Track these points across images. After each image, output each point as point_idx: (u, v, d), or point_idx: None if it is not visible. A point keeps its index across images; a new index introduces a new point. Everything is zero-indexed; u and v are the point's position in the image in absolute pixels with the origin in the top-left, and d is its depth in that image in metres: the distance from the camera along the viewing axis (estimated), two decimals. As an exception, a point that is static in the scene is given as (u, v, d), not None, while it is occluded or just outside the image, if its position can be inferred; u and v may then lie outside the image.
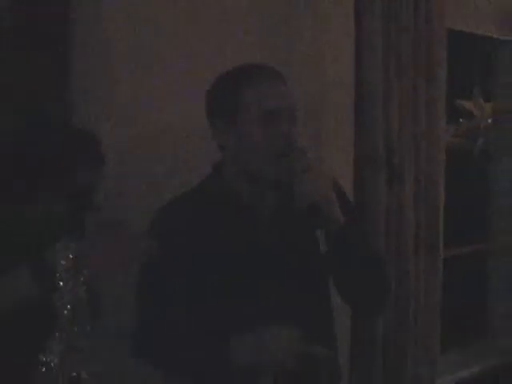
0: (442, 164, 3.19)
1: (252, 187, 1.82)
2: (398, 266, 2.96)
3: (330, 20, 2.73)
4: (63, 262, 1.50)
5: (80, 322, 1.50)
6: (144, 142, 2.19)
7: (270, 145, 1.75)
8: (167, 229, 1.78)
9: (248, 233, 1.80)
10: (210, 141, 1.87)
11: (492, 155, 3.87)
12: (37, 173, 1.61)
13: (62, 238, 1.49)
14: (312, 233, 1.80)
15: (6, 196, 1.64)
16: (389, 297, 2.10)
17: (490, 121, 3.37)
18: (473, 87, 3.37)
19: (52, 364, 1.44)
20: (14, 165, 1.61)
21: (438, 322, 3.23)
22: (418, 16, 3.00)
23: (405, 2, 2.93)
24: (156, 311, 1.76)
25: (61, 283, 1.49)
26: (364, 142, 2.84)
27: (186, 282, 1.75)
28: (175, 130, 2.24)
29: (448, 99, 3.23)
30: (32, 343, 1.46)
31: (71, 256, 1.51)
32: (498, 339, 3.91)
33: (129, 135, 2.16)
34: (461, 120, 3.34)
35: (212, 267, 1.75)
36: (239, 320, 1.70)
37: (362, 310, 2.08)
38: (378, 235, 2.85)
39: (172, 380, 1.86)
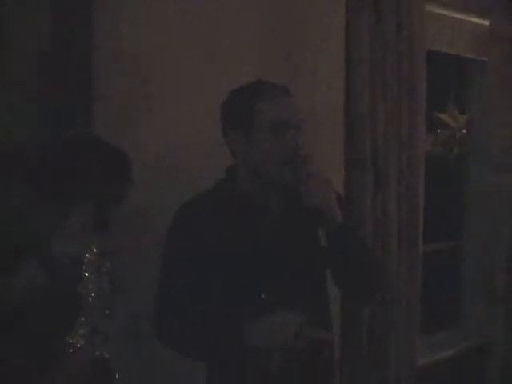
0: (422, 169, 3.20)
1: (261, 189, 1.84)
2: (382, 257, 2.96)
3: (323, 40, 2.73)
4: (87, 255, 1.51)
5: (103, 308, 1.50)
6: (165, 150, 2.18)
7: (279, 152, 1.77)
8: (187, 224, 1.81)
9: (257, 229, 1.82)
10: (222, 148, 1.87)
11: (466, 161, 3.88)
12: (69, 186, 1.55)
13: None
14: (314, 230, 1.83)
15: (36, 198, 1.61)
16: (377, 285, 2.13)
17: (464, 131, 3.37)
18: (449, 101, 3.37)
19: (78, 345, 1.44)
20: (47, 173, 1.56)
21: (417, 309, 3.23)
22: (401, 39, 3.01)
23: (389, 26, 2.93)
24: (177, 299, 1.77)
25: (86, 274, 1.49)
26: (352, 148, 2.85)
27: (203, 273, 1.76)
28: (190, 140, 2.24)
29: (427, 112, 3.23)
30: (60, 327, 1.45)
31: (95, 250, 1.51)
32: (469, 325, 3.90)
33: (152, 145, 2.15)
34: (438, 130, 3.34)
35: (226, 260, 1.77)
36: (251, 307, 1.72)
37: (356, 297, 2.14)
38: (365, 231, 2.84)
39: (190, 361, 1.86)
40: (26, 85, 1.89)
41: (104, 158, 1.57)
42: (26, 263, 1.45)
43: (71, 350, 1.43)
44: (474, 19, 3.55)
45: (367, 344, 2.94)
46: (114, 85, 2.06)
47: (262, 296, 1.75)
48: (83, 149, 1.57)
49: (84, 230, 1.47)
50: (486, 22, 3.60)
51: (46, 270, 1.42)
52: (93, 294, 1.47)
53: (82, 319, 1.46)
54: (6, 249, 1.52)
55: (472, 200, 3.90)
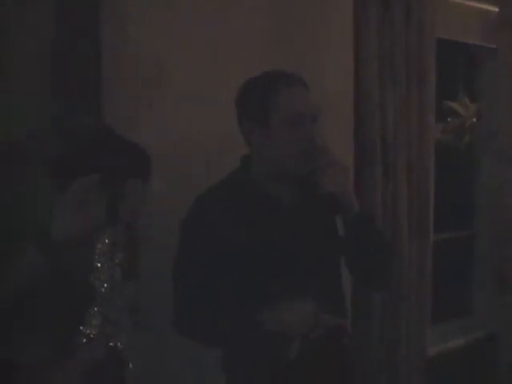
0: (432, 158, 3.18)
1: (276, 179, 1.84)
2: (394, 247, 2.95)
3: (331, 32, 2.73)
4: (100, 246, 1.50)
5: (116, 299, 1.50)
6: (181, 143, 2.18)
7: (295, 143, 1.77)
8: (203, 214, 1.81)
9: (272, 218, 1.82)
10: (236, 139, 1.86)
11: (476, 150, 3.85)
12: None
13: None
14: (330, 219, 1.84)
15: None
16: (390, 273, 2.15)
17: (474, 119, 3.35)
18: (459, 89, 3.35)
19: (91, 335, 1.45)
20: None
21: (428, 298, 3.22)
22: (410, 27, 2.99)
23: (398, 15, 2.91)
24: (194, 288, 1.78)
25: (98, 265, 1.49)
26: (362, 138, 2.84)
27: (219, 263, 1.77)
28: (206, 132, 2.23)
29: (437, 100, 3.22)
30: (74, 317, 1.46)
31: (107, 241, 1.51)
32: (481, 314, 3.89)
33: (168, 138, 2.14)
34: (448, 119, 3.32)
35: (242, 250, 1.77)
36: (268, 295, 1.73)
37: (369, 285, 2.14)
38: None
39: (204, 350, 1.87)
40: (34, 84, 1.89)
41: (125, 153, 1.55)
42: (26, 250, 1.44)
43: (84, 340, 1.44)
44: (484, 6, 3.52)
45: (378, 333, 2.94)
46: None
47: (281, 284, 1.75)
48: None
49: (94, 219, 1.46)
50: (495, 9, 3.57)
51: (47, 256, 1.40)
52: (105, 285, 1.47)
53: (95, 309, 1.46)
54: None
55: (483, 188, 3.89)
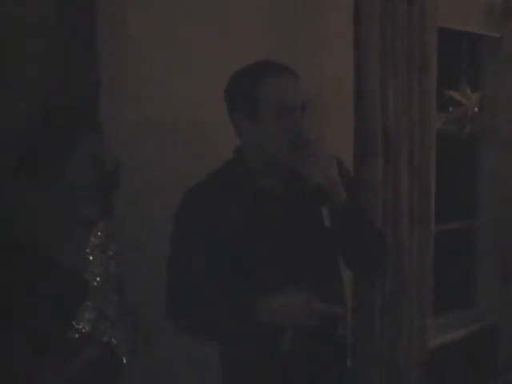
0: (434, 148, 3.14)
1: (268, 170, 1.83)
2: (394, 238, 2.93)
3: (332, 22, 2.69)
4: (92, 239, 1.47)
5: (109, 293, 1.47)
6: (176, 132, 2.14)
7: (283, 134, 1.75)
8: (195, 206, 1.80)
9: (265, 209, 1.81)
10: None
11: (478, 140, 3.81)
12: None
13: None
14: (319, 209, 1.81)
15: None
16: (386, 262, 2.13)
17: (476, 109, 3.30)
18: (461, 79, 3.30)
19: (84, 331, 1.42)
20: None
21: (430, 289, 3.20)
22: (412, 16, 2.95)
23: (400, 4, 2.87)
24: (188, 280, 1.76)
25: (91, 258, 1.46)
26: (363, 127, 2.80)
27: (213, 254, 1.75)
28: (198, 123, 2.20)
29: (438, 90, 3.17)
30: (66, 312, 1.42)
31: (99, 233, 1.48)
32: (482, 305, 3.86)
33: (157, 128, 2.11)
34: (450, 109, 3.27)
35: (235, 241, 1.76)
36: (262, 286, 1.72)
37: (363, 274, 2.17)
38: (376, 212, 2.81)
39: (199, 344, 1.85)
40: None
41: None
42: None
43: (77, 336, 1.40)
44: (487, -5, 3.48)
45: (379, 324, 2.91)
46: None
47: (275, 275, 1.74)
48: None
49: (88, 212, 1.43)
50: (499, -2, 3.52)
51: None
52: (98, 279, 1.44)
53: (88, 304, 1.43)
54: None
55: (485, 178, 3.86)
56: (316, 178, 1.72)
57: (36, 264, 1.38)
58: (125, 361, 1.48)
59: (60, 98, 1.90)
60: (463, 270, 3.94)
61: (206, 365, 1.94)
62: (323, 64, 2.63)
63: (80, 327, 1.40)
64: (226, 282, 1.75)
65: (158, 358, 2.02)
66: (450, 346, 3.49)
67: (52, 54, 1.91)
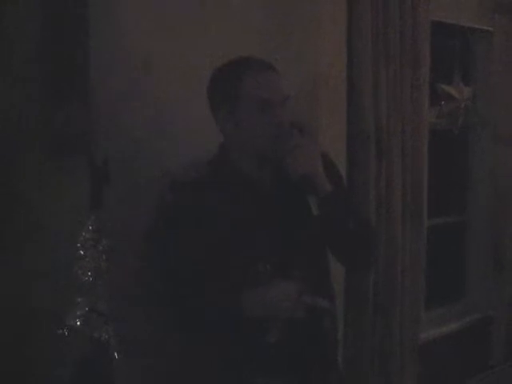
0: (426, 142, 3.14)
1: (252, 164, 1.84)
2: (386, 232, 2.93)
3: (324, 15, 2.67)
4: (83, 233, 1.46)
5: (100, 288, 1.46)
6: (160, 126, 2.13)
7: (265, 129, 1.78)
8: (180, 198, 1.81)
9: (251, 202, 1.81)
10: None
11: (471, 134, 3.80)
12: None
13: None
14: (305, 200, 1.81)
15: None
16: (373, 252, 2.14)
17: (469, 103, 3.30)
18: (453, 73, 3.29)
19: (75, 327, 1.40)
20: None
21: (422, 282, 3.20)
22: (404, 9, 2.94)
23: (392, -4, 2.86)
24: (173, 269, 1.76)
25: (82, 252, 1.45)
26: (355, 121, 2.80)
27: (199, 247, 1.75)
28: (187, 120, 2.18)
29: (430, 83, 3.16)
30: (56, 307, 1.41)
31: (91, 227, 1.46)
32: (474, 299, 3.87)
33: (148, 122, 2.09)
34: (442, 102, 3.26)
35: (222, 233, 1.76)
36: (249, 278, 1.72)
37: (350, 265, 2.14)
38: (368, 205, 2.80)
39: (189, 336, 1.84)
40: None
41: None
42: None
43: (68, 332, 1.39)
44: (480, -12, 3.47)
45: (371, 317, 2.91)
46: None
47: (262, 266, 1.74)
48: None
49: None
50: (491, -9, 3.51)
51: None
52: (89, 273, 1.43)
53: (79, 299, 1.42)
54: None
55: (477, 172, 3.85)
56: (299, 169, 1.75)
57: None
58: (117, 356, 1.47)
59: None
60: (455, 263, 3.95)
61: (194, 360, 1.92)
62: (315, 58, 2.61)
63: (71, 323, 1.39)
64: (213, 273, 1.74)
65: (147, 355, 2.01)
66: (443, 339, 3.49)
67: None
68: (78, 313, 1.41)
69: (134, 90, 2.05)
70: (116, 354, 1.46)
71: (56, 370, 1.58)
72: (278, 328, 1.70)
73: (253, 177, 1.84)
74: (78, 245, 1.43)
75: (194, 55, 2.18)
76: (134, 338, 1.78)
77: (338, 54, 2.73)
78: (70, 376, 1.40)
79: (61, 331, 1.38)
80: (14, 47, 1.78)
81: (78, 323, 1.39)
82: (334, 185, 1.81)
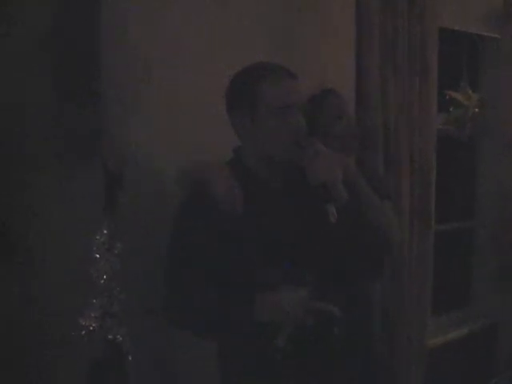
0: (434, 148, 3.15)
1: (268, 169, 1.84)
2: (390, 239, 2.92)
3: (333, 24, 2.69)
4: (98, 237, 1.48)
5: (115, 291, 1.48)
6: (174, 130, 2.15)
7: (283, 134, 1.78)
8: (196, 204, 1.80)
9: (266, 207, 1.82)
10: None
11: (478, 140, 3.82)
12: None
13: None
14: (321, 207, 1.80)
15: None
16: (384, 264, 2.13)
17: (476, 110, 3.31)
18: (461, 79, 3.31)
19: (90, 328, 1.42)
20: None
21: (429, 288, 3.20)
22: (413, 16, 2.96)
23: (401, 4, 2.87)
24: (186, 277, 1.76)
25: (97, 256, 1.47)
26: (364, 127, 2.79)
27: (212, 252, 1.76)
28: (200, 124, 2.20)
29: (438, 90, 3.18)
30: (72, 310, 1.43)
31: (105, 231, 1.48)
32: (480, 305, 3.87)
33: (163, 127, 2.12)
34: (450, 109, 3.28)
35: (236, 238, 1.76)
36: (262, 283, 1.72)
37: (359, 274, 2.07)
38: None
39: (199, 338, 1.85)
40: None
41: None
42: None
43: (83, 333, 1.41)
44: (488, -5, 3.49)
45: (379, 323, 2.92)
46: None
47: (274, 271, 1.74)
48: None
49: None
50: (499, -2, 3.53)
51: None
52: (104, 276, 1.45)
53: (94, 301, 1.43)
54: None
55: (484, 179, 3.86)
56: (319, 176, 1.74)
57: None
58: (130, 358, 1.49)
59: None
60: (462, 269, 3.95)
61: (204, 364, 1.94)
62: (325, 64, 2.63)
63: (86, 324, 1.41)
64: (225, 279, 1.75)
65: (158, 357, 2.02)
66: (450, 346, 3.50)
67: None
68: (93, 315, 1.43)
69: (149, 93, 2.07)
70: (130, 356, 1.48)
71: (70, 371, 1.60)
72: (288, 333, 1.70)
73: (268, 181, 1.85)
74: (94, 248, 1.45)
75: (208, 58, 2.21)
76: (148, 339, 1.79)
77: (347, 62, 2.74)
78: (84, 377, 1.41)
79: (76, 333, 1.40)
80: (26, 50, 1.80)
81: (93, 325, 1.41)
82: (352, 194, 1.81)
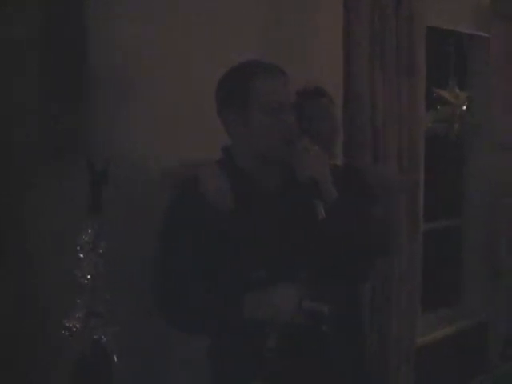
0: (422, 146, 3.16)
1: (259, 167, 1.84)
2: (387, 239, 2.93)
3: (321, 23, 2.70)
4: (82, 237, 1.47)
5: (99, 291, 1.47)
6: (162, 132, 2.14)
7: (276, 132, 1.77)
8: (186, 202, 1.80)
9: (256, 205, 1.81)
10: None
11: (466, 139, 3.83)
12: None
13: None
14: (311, 204, 1.79)
15: None
16: (374, 264, 2.11)
17: (464, 108, 3.32)
18: (449, 78, 3.32)
19: (74, 329, 1.41)
20: None
21: (419, 287, 3.21)
22: (401, 14, 2.96)
23: (388, 3, 2.88)
24: (177, 274, 1.77)
25: (81, 255, 1.46)
26: (352, 126, 2.81)
27: (203, 249, 1.76)
28: (188, 124, 2.20)
29: (426, 88, 3.19)
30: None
31: (90, 231, 1.48)
32: (470, 303, 3.89)
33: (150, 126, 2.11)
34: (438, 107, 3.29)
35: (226, 236, 1.76)
36: (252, 281, 1.72)
37: (349, 273, 2.03)
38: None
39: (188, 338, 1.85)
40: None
41: None
42: None
43: (68, 333, 1.40)
44: (476, -6, 3.50)
45: (368, 320, 2.92)
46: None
47: (263, 270, 1.73)
48: None
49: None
50: (487, -3, 3.54)
51: None
52: (89, 276, 1.44)
53: (78, 302, 1.43)
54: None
55: (472, 176, 3.87)
56: (307, 172, 1.74)
57: None
58: (116, 358, 1.48)
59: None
60: (451, 267, 3.97)
61: (193, 363, 1.94)
62: (312, 66, 2.63)
63: (70, 325, 1.40)
64: (215, 277, 1.75)
65: (146, 356, 2.02)
66: (439, 344, 3.51)
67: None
68: (77, 315, 1.42)
69: (134, 92, 2.06)
70: (115, 356, 1.47)
71: (55, 371, 1.59)
72: (277, 332, 1.69)
73: (260, 180, 1.84)
74: (78, 248, 1.44)
75: (196, 57, 2.20)
76: (133, 340, 1.78)
77: (335, 61, 2.74)
78: (69, 377, 1.41)
79: (60, 333, 1.39)
80: (14, 50, 1.80)
81: (78, 325, 1.41)
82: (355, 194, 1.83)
